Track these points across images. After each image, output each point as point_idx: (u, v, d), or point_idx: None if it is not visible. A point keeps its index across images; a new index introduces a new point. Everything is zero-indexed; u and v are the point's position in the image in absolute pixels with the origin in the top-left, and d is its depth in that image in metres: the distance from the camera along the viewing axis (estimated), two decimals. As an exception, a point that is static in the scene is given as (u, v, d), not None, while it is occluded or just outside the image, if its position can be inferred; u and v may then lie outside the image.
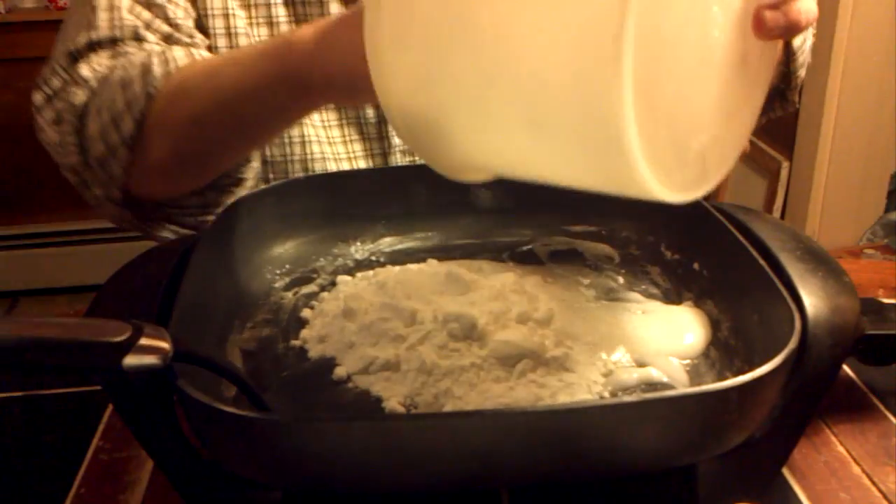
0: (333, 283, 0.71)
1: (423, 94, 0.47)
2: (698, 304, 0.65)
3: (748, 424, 0.49)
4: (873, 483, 0.57)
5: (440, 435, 0.45)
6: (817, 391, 0.52)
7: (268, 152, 0.85)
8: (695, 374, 0.59)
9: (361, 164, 0.87)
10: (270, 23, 0.82)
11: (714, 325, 0.63)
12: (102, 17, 0.72)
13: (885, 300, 0.68)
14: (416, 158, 0.87)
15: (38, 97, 0.72)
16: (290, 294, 0.70)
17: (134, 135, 0.65)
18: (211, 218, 0.73)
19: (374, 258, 0.75)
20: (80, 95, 0.69)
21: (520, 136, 0.46)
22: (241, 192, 0.75)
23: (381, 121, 0.86)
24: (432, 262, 0.73)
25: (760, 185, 2.01)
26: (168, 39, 0.75)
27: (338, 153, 0.87)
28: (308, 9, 0.83)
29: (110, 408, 0.67)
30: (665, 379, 0.58)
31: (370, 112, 0.85)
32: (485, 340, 0.59)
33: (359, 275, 0.72)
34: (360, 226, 0.76)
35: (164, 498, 0.57)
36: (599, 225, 0.76)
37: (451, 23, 0.44)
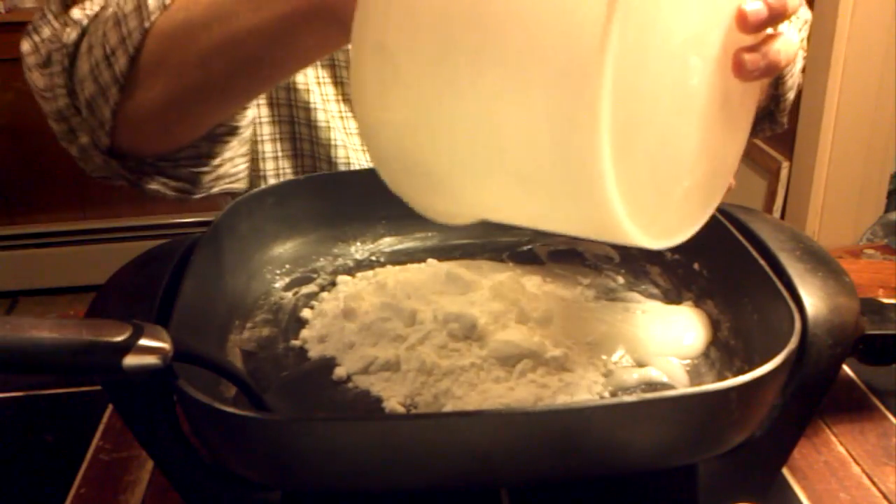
0: (333, 283, 0.71)
1: (408, 147, 0.47)
2: (698, 304, 0.65)
3: (748, 424, 0.49)
4: (873, 483, 0.57)
5: (440, 435, 0.45)
6: (817, 391, 0.52)
7: (298, 146, 0.82)
8: (695, 374, 0.59)
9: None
10: None
11: (714, 325, 0.63)
12: None
13: (885, 300, 0.68)
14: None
15: (25, 45, 0.69)
16: (290, 294, 0.70)
17: (126, 72, 0.61)
18: (205, 169, 0.71)
19: (374, 258, 0.75)
20: (71, 35, 0.65)
21: (504, 188, 0.46)
22: (235, 142, 0.72)
23: None
24: (432, 262, 0.73)
25: (760, 185, 2.01)
26: None
27: (355, 144, 0.86)
28: None
29: (110, 408, 0.67)
30: (665, 379, 0.58)
31: None
32: (485, 340, 0.59)
33: (359, 275, 0.72)
34: (360, 226, 0.76)
35: (164, 498, 0.57)
36: (599, 225, 0.76)
37: (435, 85, 0.44)
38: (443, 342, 0.60)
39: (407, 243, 0.76)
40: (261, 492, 0.51)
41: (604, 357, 0.59)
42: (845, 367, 0.68)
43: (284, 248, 0.73)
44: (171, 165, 0.70)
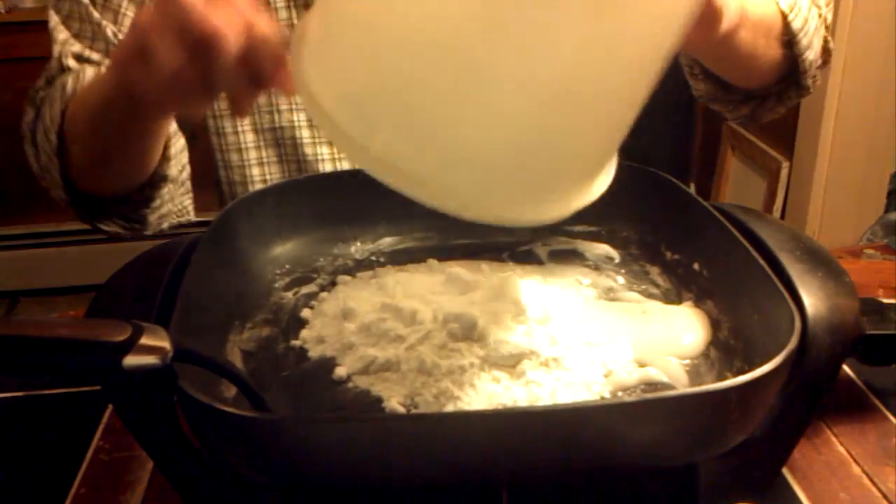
0: (333, 283, 0.71)
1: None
2: (698, 304, 0.65)
3: (748, 424, 0.49)
4: (873, 483, 0.57)
5: (440, 435, 0.45)
6: (817, 391, 0.52)
7: (264, 154, 0.89)
8: (695, 374, 0.59)
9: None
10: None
11: (714, 325, 0.63)
12: (55, 51, 0.80)
13: (885, 300, 0.68)
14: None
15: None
16: (290, 294, 0.70)
17: (56, 147, 0.72)
18: (148, 210, 0.79)
19: (374, 258, 0.75)
20: (30, 113, 0.78)
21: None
22: (168, 186, 0.78)
23: None
24: (432, 262, 0.73)
25: (760, 185, 2.01)
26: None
27: (336, 153, 0.88)
28: None
29: (110, 408, 0.67)
30: (665, 379, 0.58)
31: None
32: (485, 340, 0.59)
33: (359, 275, 0.72)
34: (360, 226, 0.76)
35: (164, 498, 0.57)
36: (599, 225, 0.76)
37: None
38: (442, 342, 0.59)
39: (407, 243, 0.76)
40: (261, 492, 0.51)
41: (604, 357, 0.59)
42: (845, 367, 0.68)
43: (284, 248, 0.73)
44: (130, 209, 0.79)
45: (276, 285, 0.71)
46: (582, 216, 0.76)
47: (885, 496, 0.56)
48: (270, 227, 0.72)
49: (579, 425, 0.45)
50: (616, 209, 0.73)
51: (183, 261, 0.58)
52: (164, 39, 0.50)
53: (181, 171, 0.80)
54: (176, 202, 0.83)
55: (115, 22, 0.81)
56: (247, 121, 0.90)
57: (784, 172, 1.93)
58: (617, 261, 0.74)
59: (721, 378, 0.58)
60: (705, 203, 0.66)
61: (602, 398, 0.56)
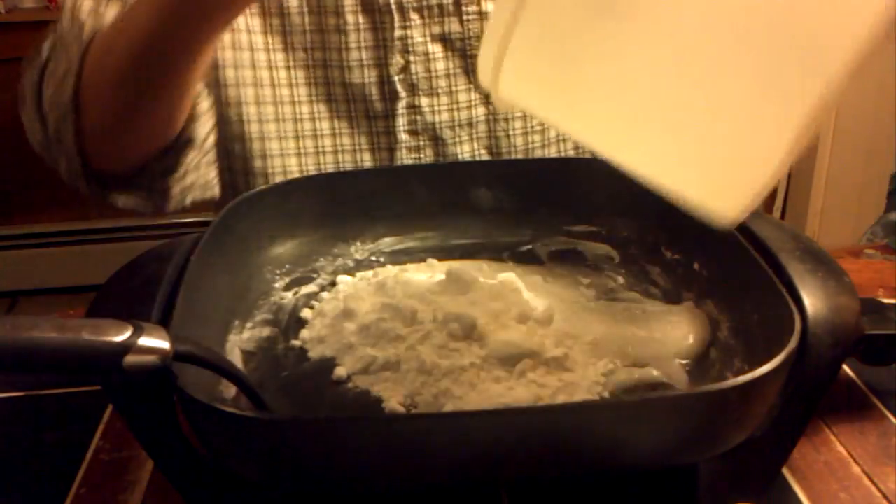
0: (333, 283, 0.71)
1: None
2: (698, 304, 0.65)
3: (748, 424, 0.49)
4: (873, 483, 0.57)
5: (440, 435, 0.45)
6: (817, 391, 0.52)
7: (267, 146, 0.84)
8: (695, 374, 0.59)
9: (367, 156, 0.86)
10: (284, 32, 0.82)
11: (714, 325, 0.63)
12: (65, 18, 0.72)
13: (885, 300, 0.68)
14: (421, 157, 0.87)
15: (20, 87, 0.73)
16: (290, 294, 0.70)
17: (73, 97, 0.66)
18: (172, 181, 0.75)
19: (374, 258, 0.75)
20: (33, 72, 0.70)
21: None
22: (193, 153, 0.74)
23: (390, 115, 0.85)
24: (432, 262, 0.73)
25: (760, 185, 2.00)
26: None
27: (343, 144, 0.87)
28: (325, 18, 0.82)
29: (110, 408, 0.67)
30: (665, 379, 0.58)
31: (378, 106, 0.85)
32: (485, 340, 0.59)
33: (359, 275, 0.72)
34: (360, 226, 0.76)
35: (164, 498, 0.57)
36: (599, 225, 0.76)
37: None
38: (443, 342, 0.60)
39: (407, 243, 0.76)
40: (261, 492, 0.51)
41: (604, 357, 0.59)
42: (845, 367, 0.68)
43: (284, 248, 0.73)
44: (147, 181, 0.74)
45: (276, 285, 0.71)
46: (582, 216, 0.77)
47: (885, 496, 0.56)
48: (270, 227, 0.72)
49: (579, 425, 0.45)
50: (616, 209, 0.73)
51: (183, 261, 0.58)
52: None
53: (207, 137, 0.76)
54: (202, 172, 0.78)
55: None
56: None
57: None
58: (617, 261, 0.74)
59: (721, 378, 0.58)
60: (705, 203, 0.65)
61: (602, 398, 0.56)
